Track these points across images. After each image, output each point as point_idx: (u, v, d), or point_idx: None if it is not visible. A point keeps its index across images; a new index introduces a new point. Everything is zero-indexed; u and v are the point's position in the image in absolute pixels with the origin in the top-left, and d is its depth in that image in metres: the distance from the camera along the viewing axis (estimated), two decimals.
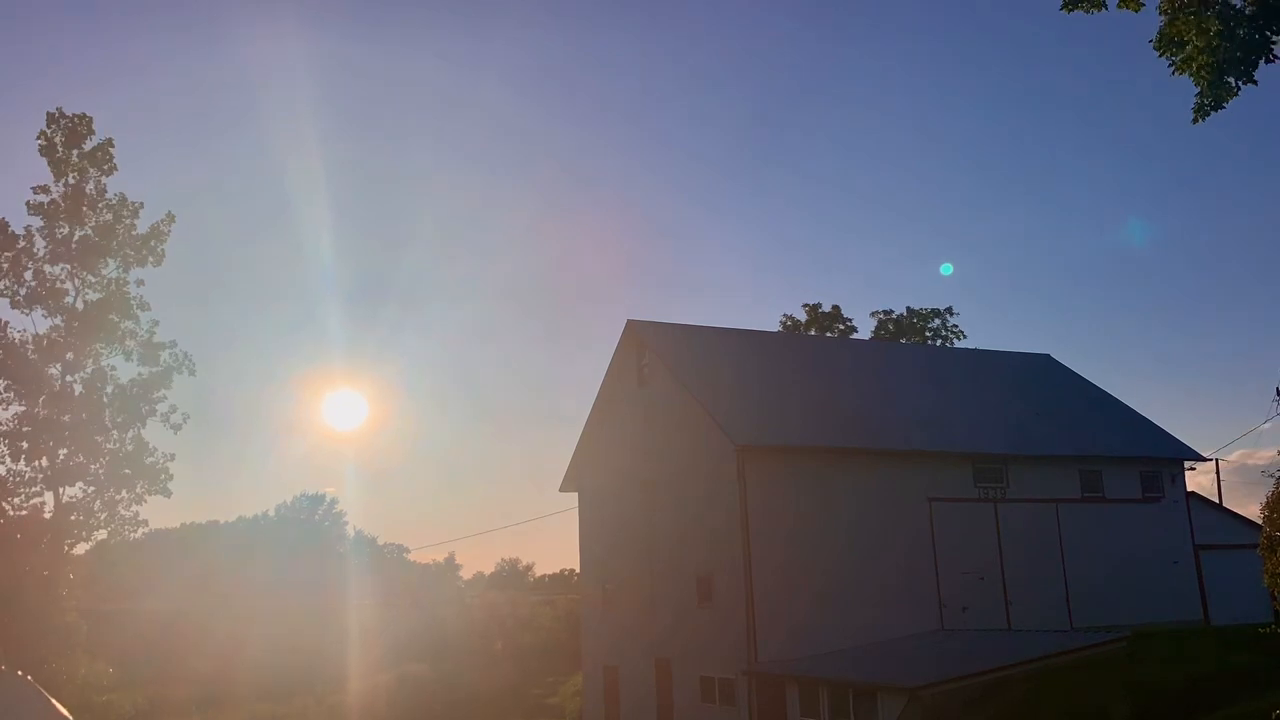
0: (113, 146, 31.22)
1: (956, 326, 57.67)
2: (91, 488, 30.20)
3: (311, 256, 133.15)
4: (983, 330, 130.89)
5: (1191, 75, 11.50)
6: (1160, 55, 11.82)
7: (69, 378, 30.39)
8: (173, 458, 31.06)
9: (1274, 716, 16.97)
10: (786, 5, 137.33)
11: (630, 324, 34.04)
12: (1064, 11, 12.33)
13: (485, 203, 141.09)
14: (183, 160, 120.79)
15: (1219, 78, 11.35)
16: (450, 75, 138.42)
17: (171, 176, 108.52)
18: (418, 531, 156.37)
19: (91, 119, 31.08)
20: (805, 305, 58.21)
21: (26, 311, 30.27)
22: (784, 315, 58.92)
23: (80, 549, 31.84)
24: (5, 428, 29.60)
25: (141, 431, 30.81)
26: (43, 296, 30.18)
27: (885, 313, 58.48)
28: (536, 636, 63.76)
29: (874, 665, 24.77)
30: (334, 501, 79.43)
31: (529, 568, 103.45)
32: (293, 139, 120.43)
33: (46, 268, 30.48)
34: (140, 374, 31.03)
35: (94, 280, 30.79)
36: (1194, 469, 34.60)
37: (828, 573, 27.73)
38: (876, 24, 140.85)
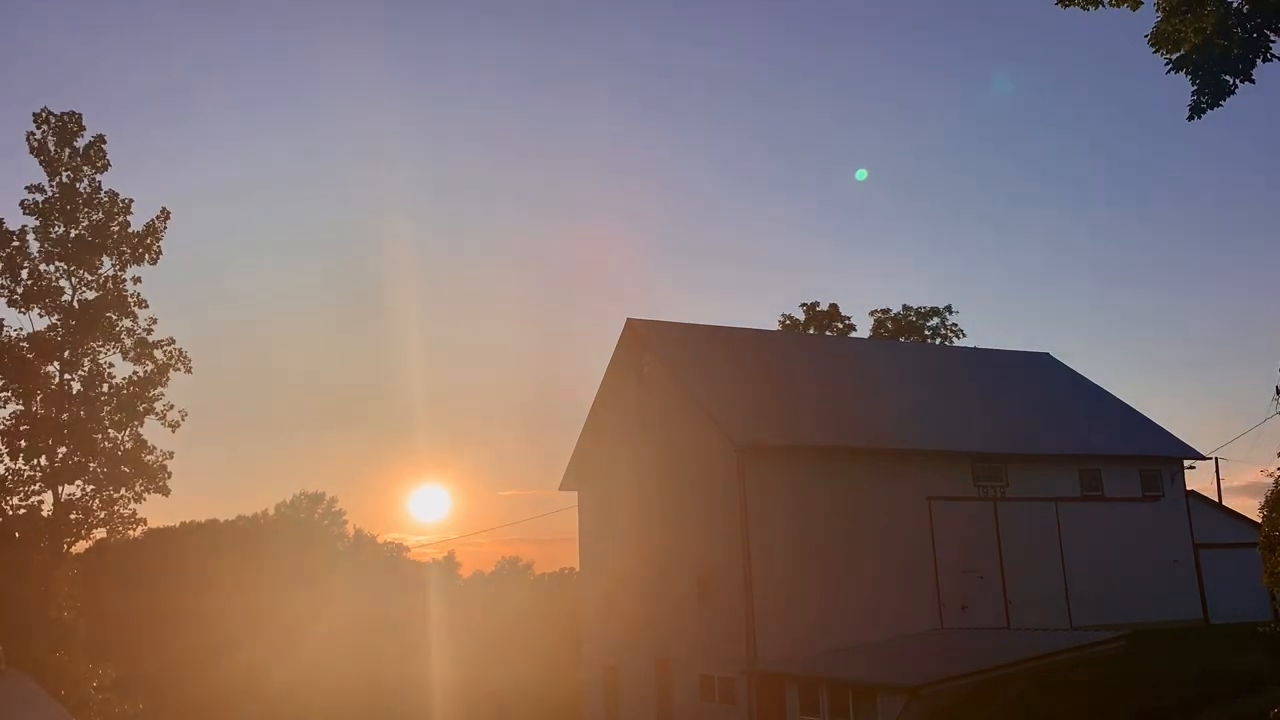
0: (104, 143, 31.21)
1: (956, 325, 57.30)
2: (90, 486, 30.24)
3: (318, 250, 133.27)
4: (982, 329, 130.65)
5: (1188, 73, 11.47)
6: (1156, 51, 11.80)
7: (66, 376, 30.45)
8: (171, 456, 31.11)
9: (1273, 715, 16.97)
10: (787, 3, 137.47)
11: (630, 323, 33.98)
12: (1060, 7, 12.35)
13: (484, 200, 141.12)
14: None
15: (1216, 76, 11.31)
16: (447, 73, 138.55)
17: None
18: (417, 530, 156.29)
19: (81, 116, 31.06)
20: (803, 305, 57.58)
21: (24, 310, 30.33)
22: (783, 315, 58.63)
23: (79, 547, 31.90)
24: (3, 426, 29.67)
25: (139, 430, 30.89)
26: (39, 295, 30.23)
27: (883, 311, 58.23)
28: (536, 635, 63.71)
29: (874, 665, 24.74)
30: (333, 500, 79.51)
31: (529, 566, 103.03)
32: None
33: (42, 266, 30.54)
34: (136, 372, 31.09)
35: (90, 279, 30.83)
36: (1194, 468, 34.56)
37: (827, 572, 27.70)
38: (872, 22, 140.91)
